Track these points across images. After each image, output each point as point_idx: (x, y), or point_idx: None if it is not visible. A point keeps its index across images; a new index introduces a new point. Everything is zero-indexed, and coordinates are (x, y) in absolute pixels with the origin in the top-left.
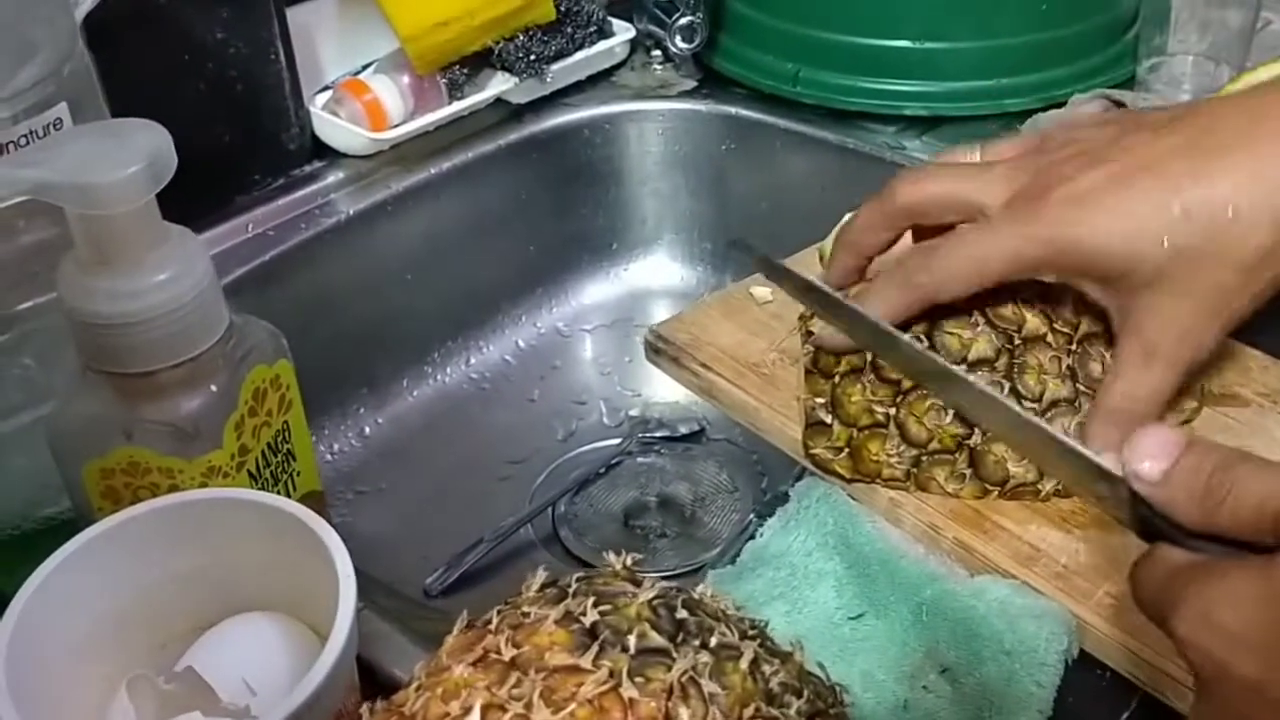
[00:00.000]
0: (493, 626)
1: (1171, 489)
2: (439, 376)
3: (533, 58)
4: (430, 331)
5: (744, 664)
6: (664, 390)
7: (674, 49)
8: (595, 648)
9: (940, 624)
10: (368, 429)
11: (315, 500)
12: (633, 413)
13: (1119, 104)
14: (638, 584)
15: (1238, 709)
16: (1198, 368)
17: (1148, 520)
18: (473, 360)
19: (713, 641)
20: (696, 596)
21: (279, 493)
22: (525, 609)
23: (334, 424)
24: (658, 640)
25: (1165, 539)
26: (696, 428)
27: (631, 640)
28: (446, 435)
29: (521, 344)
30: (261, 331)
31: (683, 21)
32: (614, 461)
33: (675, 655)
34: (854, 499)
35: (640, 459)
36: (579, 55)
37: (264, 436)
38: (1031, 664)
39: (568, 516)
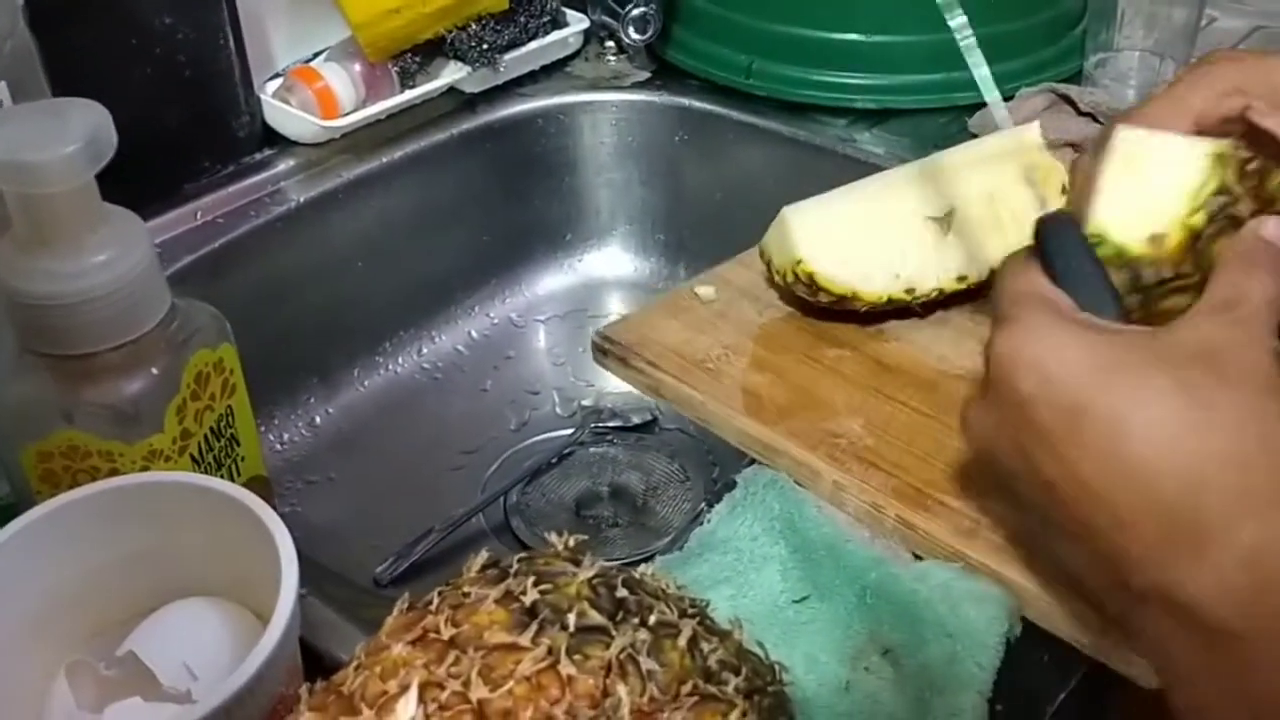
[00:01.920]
0: (433, 607)
1: None
2: (391, 366)
3: (485, 47)
4: (382, 321)
5: (682, 642)
6: (617, 380)
7: (627, 40)
8: (534, 626)
9: (883, 607)
10: (318, 418)
11: (260, 486)
12: (585, 402)
13: (1065, 98)
14: (579, 564)
15: (1004, 412)
16: None
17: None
18: (425, 350)
19: (652, 620)
20: (637, 576)
21: (223, 477)
22: (466, 589)
23: (284, 413)
24: (597, 618)
25: None
26: (649, 417)
27: (571, 618)
28: (398, 425)
29: (474, 334)
30: (204, 315)
31: (636, 13)
32: (566, 451)
33: (614, 633)
34: (799, 484)
35: (593, 449)
36: (532, 45)
37: (207, 421)
38: (973, 646)
39: (520, 506)
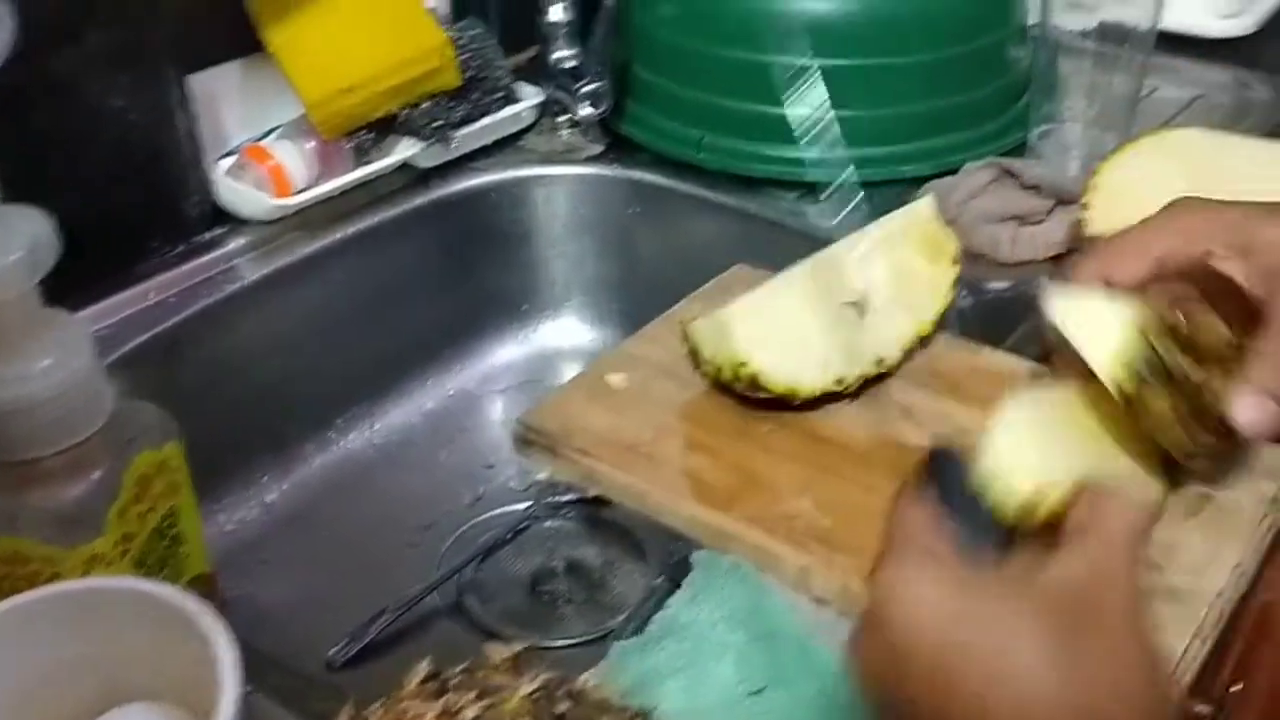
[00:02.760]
0: None
1: None
2: (344, 442)
3: (439, 123)
4: (336, 396)
5: None
6: None
7: (580, 115)
8: None
9: (848, 707)
10: (271, 497)
11: (204, 583)
12: (541, 476)
13: (1009, 172)
14: (520, 674)
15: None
16: None
17: None
18: (379, 425)
19: None
20: (579, 686)
21: (166, 578)
22: (405, 703)
23: (236, 492)
24: None
25: None
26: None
27: None
28: (352, 502)
29: (430, 407)
30: (150, 415)
31: (589, 88)
32: (522, 526)
33: None
34: (761, 569)
35: (548, 523)
36: (486, 120)
37: (150, 522)
38: None
39: (474, 584)
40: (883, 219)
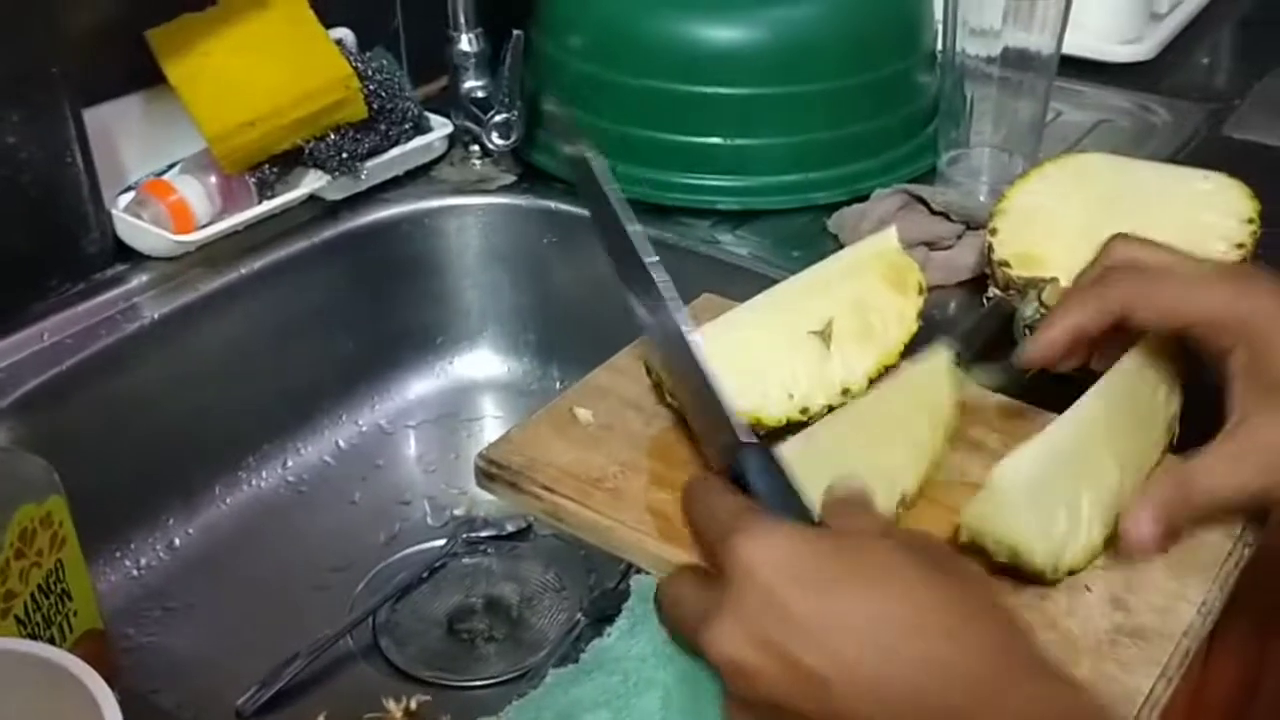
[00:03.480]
0: None
1: None
2: (254, 481)
3: (345, 155)
4: (245, 435)
5: None
6: None
7: (491, 145)
8: None
9: None
10: (178, 540)
11: (95, 640)
12: (458, 511)
13: (918, 198)
14: None
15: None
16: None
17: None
18: (290, 463)
19: None
20: None
21: (53, 635)
22: None
23: (142, 537)
24: None
25: None
26: (524, 524)
27: None
28: (262, 544)
29: (342, 444)
30: (32, 467)
31: (498, 119)
32: (438, 564)
33: None
34: None
35: (465, 560)
36: (394, 152)
37: (34, 579)
38: None
39: (389, 625)
40: (847, 249)
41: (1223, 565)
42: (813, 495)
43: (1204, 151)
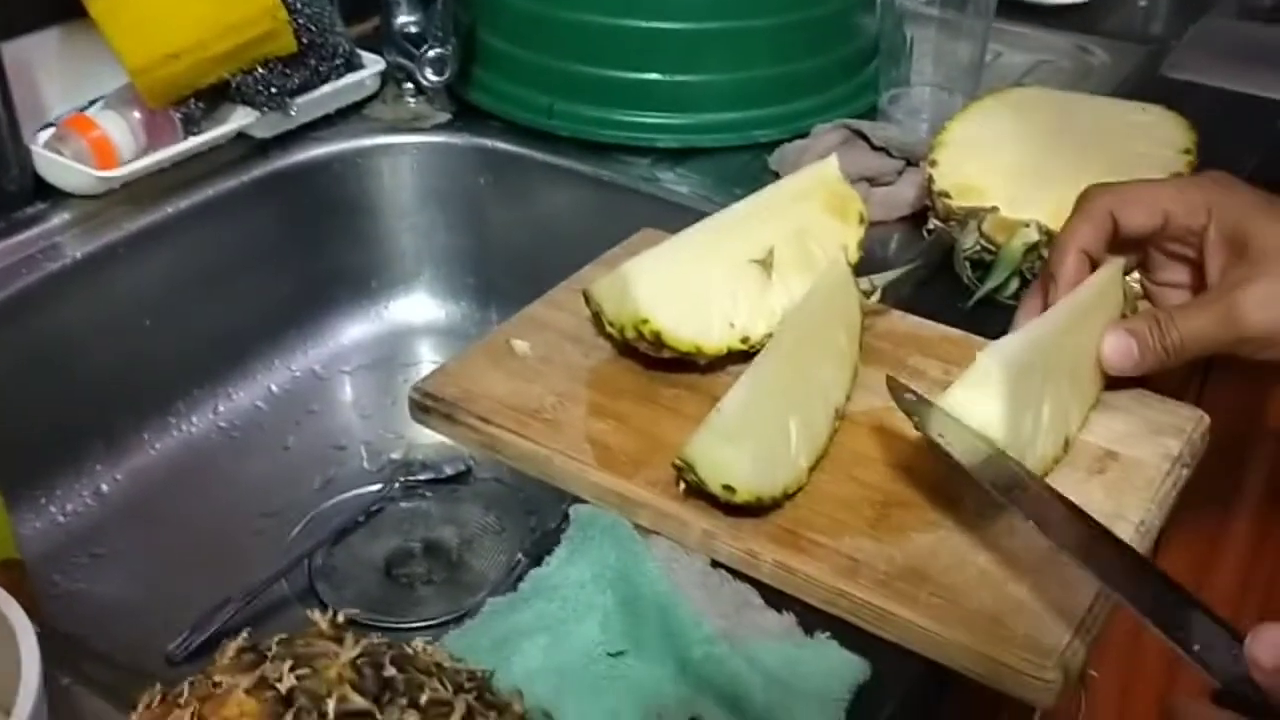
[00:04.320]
0: (181, 699)
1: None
2: (184, 427)
3: (274, 91)
4: (174, 380)
5: (455, 719)
6: (428, 431)
7: (425, 82)
8: (289, 716)
9: (704, 684)
10: (105, 486)
11: (12, 569)
12: (395, 456)
13: (859, 133)
14: (342, 642)
15: None
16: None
17: (1241, 696)
18: (221, 408)
19: (423, 699)
20: (409, 651)
21: None
22: (217, 678)
23: (67, 483)
24: (360, 702)
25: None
26: (463, 468)
27: (330, 705)
28: (193, 489)
29: (275, 389)
30: None
31: (432, 54)
32: (375, 508)
33: (379, 717)
34: (655, 532)
35: (403, 504)
36: (326, 88)
37: None
38: None
39: (325, 569)
40: (788, 178)
41: (1160, 485)
42: (777, 437)
43: (1141, 91)
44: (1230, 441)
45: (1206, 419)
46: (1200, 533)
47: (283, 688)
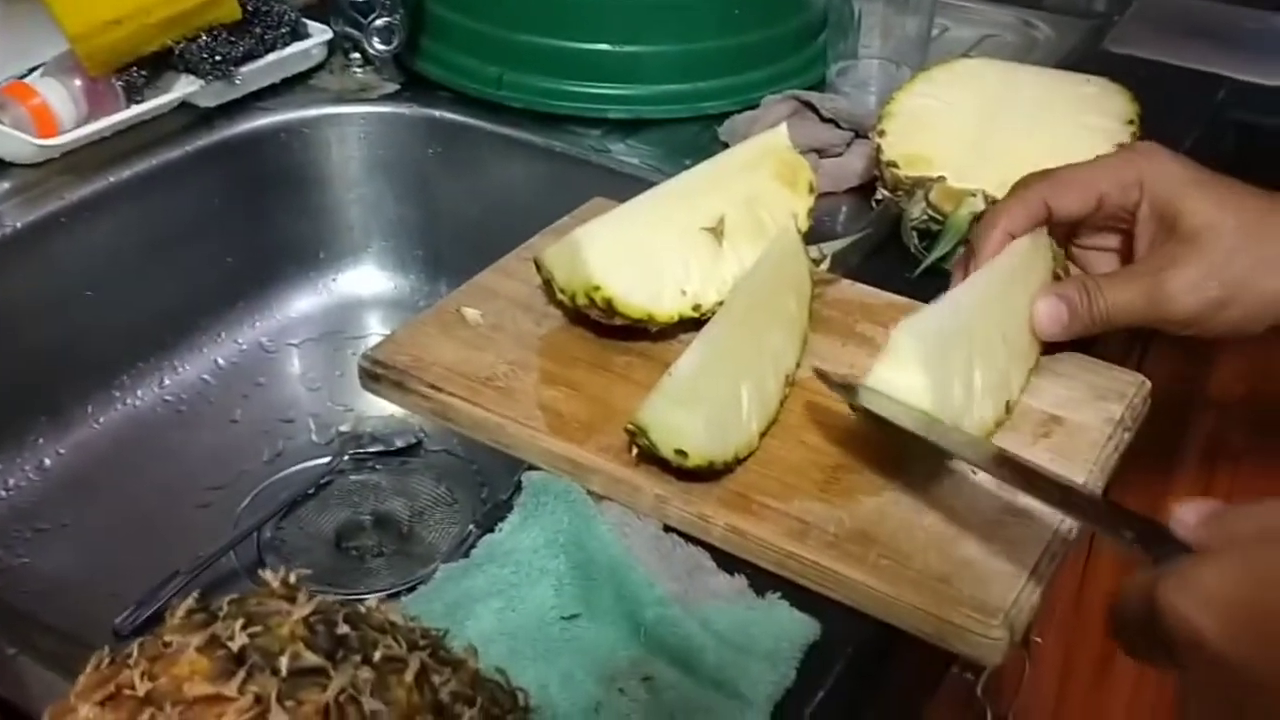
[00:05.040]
0: (131, 660)
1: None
2: (129, 400)
3: (218, 59)
4: (118, 352)
5: (409, 676)
6: (378, 404)
7: (372, 51)
8: (241, 673)
9: (655, 645)
10: (48, 460)
11: None
12: (344, 428)
13: (807, 104)
14: (294, 600)
15: (1208, 681)
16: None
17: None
18: (167, 381)
19: (376, 656)
20: (362, 610)
21: None
22: (168, 638)
23: (8, 457)
24: (313, 659)
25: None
26: (413, 440)
27: (283, 662)
28: (139, 463)
29: (222, 362)
30: None
31: (379, 23)
32: (324, 481)
33: (333, 674)
34: (606, 497)
35: (353, 476)
36: (271, 57)
37: None
38: (745, 688)
39: (274, 543)
40: (738, 146)
41: (1103, 449)
42: (729, 402)
43: (1085, 65)
44: (1171, 406)
45: (1148, 384)
46: (1142, 496)
47: (234, 646)
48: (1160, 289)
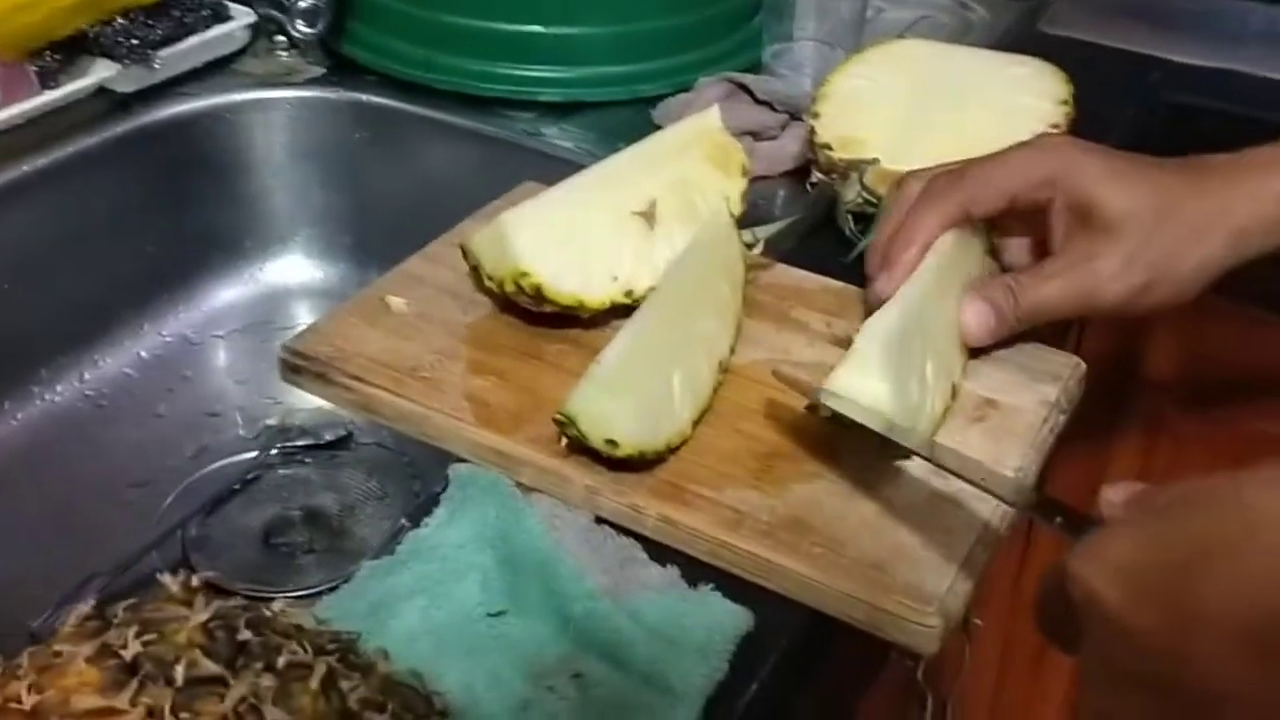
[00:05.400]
0: (21, 670)
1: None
2: (49, 396)
3: (136, 43)
4: (36, 346)
5: (315, 683)
6: (308, 396)
7: (297, 34)
8: (134, 684)
9: (584, 639)
10: None
11: None
12: (272, 422)
13: (742, 86)
14: (192, 605)
15: (1107, 647)
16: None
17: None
18: (88, 376)
19: (280, 662)
20: (267, 614)
21: None
22: (58, 647)
23: None
24: (211, 668)
25: None
26: (343, 433)
27: (179, 671)
28: (58, 460)
29: (144, 355)
30: None
31: (304, 5)
32: (251, 476)
33: (232, 682)
34: (536, 489)
35: (282, 471)
36: (192, 40)
37: None
38: (676, 682)
39: (200, 540)
40: (670, 128)
41: (1038, 431)
42: (660, 389)
43: (1019, 46)
44: (1109, 385)
45: (1083, 365)
46: (1081, 475)
47: (127, 655)
48: (1085, 282)
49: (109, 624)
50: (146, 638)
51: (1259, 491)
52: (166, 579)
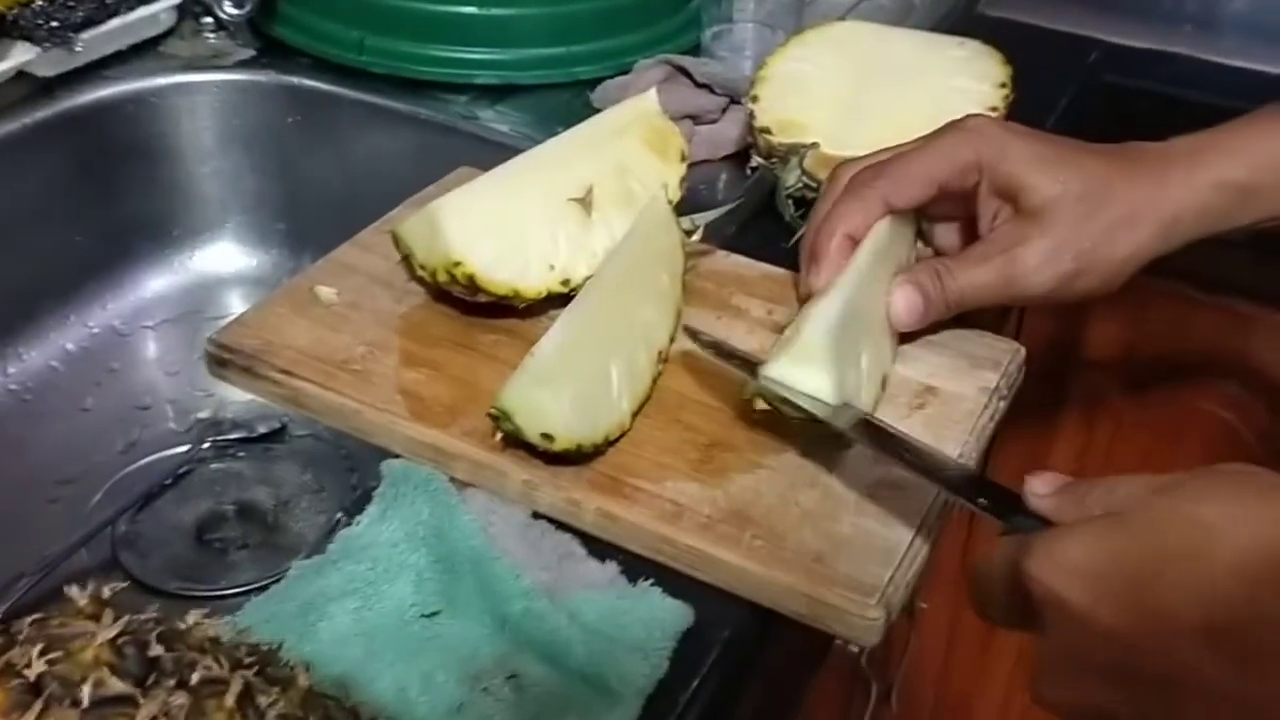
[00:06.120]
0: None
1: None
2: None
3: (56, 24)
4: None
5: (230, 699)
6: None
7: (225, 15)
8: (38, 705)
9: (521, 639)
10: None
11: None
12: (204, 415)
13: (681, 69)
14: (100, 620)
15: (1069, 641)
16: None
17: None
18: (11, 369)
19: (193, 678)
20: (180, 627)
21: None
22: None
23: None
24: (119, 687)
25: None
26: (277, 425)
27: (85, 691)
28: None
29: (70, 347)
30: None
31: None
32: (183, 471)
33: (141, 701)
34: (471, 484)
35: (214, 465)
36: (114, 22)
37: None
38: (614, 681)
39: (129, 537)
40: (606, 111)
41: (978, 418)
42: (597, 380)
43: (959, 28)
44: (1049, 369)
45: (1023, 351)
46: (1024, 459)
47: (31, 674)
48: (1012, 267)
49: (13, 641)
50: (52, 655)
51: (1215, 509)
52: (74, 592)
